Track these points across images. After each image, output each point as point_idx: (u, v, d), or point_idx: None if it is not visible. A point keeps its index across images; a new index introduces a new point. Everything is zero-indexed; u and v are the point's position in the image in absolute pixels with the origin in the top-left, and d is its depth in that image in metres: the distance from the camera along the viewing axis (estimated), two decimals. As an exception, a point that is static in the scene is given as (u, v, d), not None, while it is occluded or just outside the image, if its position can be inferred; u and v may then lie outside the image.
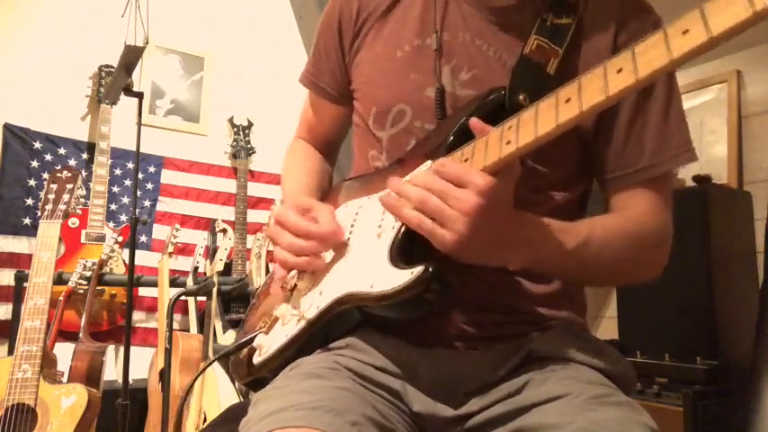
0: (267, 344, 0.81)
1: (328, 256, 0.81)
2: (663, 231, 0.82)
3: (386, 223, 0.76)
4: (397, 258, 0.71)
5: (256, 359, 0.82)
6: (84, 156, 2.98)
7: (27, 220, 2.79)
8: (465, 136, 0.73)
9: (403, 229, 0.73)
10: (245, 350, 0.86)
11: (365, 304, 0.73)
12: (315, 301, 0.78)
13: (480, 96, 0.79)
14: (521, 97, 0.76)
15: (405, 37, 0.88)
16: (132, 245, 2.13)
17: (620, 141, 0.82)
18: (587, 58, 0.81)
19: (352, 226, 0.83)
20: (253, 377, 0.84)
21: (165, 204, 3.19)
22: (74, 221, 2.77)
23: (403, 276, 0.68)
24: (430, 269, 0.66)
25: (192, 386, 1.25)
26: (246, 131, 3.40)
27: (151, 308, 3.01)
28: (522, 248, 0.70)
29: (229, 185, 3.34)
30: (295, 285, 0.84)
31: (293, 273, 0.84)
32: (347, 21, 0.94)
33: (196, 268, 2.97)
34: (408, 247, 0.73)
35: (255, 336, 0.85)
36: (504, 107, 0.76)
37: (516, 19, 0.83)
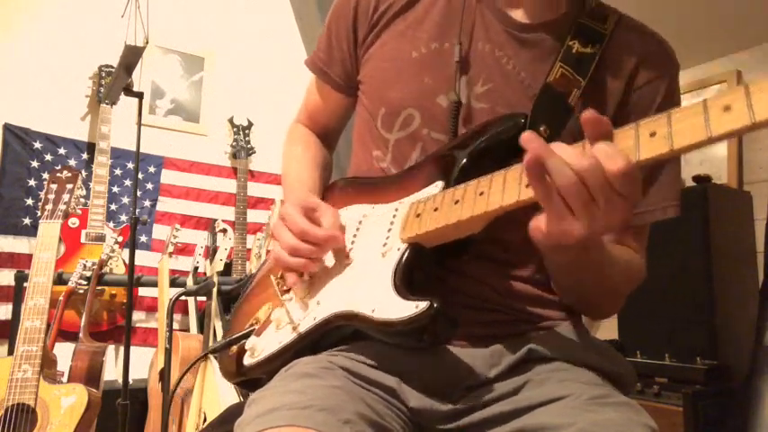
0: (260, 347, 0.80)
1: (329, 260, 0.80)
2: (642, 273, 0.84)
3: (391, 242, 0.75)
4: (401, 285, 0.70)
5: (247, 361, 0.81)
6: (84, 156, 2.98)
7: (27, 220, 2.79)
8: (480, 159, 0.73)
9: (408, 252, 0.72)
10: (235, 348, 0.85)
11: (363, 326, 0.72)
12: (312, 312, 0.77)
13: (499, 120, 0.77)
14: (541, 128, 0.75)
15: (422, 38, 0.86)
16: (132, 245, 2.13)
17: None
18: (606, 94, 0.80)
19: (354, 236, 0.82)
20: (243, 378, 0.83)
21: (164, 204, 3.19)
22: (74, 221, 2.77)
23: (407, 308, 0.66)
24: (435, 305, 0.64)
25: (180, 380, 1.24)
26: (246, 131, 3.40)
27: (151, 308, 3.01)
28: (579, 250, 0.65)
29: (229, 185, 3.34)
30: (290, 288, 0.83)
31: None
32: (363, 11, 0.91)
33: (196, 268, 2.96)
34: (412, 270, 0.72)
35: (247, 333, 0.84)
36: None
37: (540, 38, 0.82)
